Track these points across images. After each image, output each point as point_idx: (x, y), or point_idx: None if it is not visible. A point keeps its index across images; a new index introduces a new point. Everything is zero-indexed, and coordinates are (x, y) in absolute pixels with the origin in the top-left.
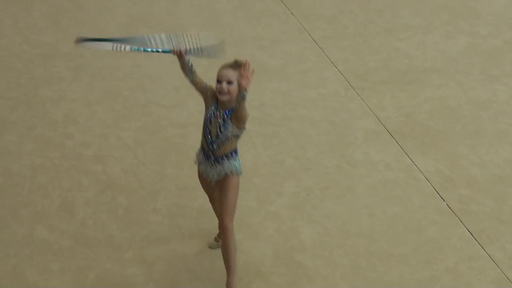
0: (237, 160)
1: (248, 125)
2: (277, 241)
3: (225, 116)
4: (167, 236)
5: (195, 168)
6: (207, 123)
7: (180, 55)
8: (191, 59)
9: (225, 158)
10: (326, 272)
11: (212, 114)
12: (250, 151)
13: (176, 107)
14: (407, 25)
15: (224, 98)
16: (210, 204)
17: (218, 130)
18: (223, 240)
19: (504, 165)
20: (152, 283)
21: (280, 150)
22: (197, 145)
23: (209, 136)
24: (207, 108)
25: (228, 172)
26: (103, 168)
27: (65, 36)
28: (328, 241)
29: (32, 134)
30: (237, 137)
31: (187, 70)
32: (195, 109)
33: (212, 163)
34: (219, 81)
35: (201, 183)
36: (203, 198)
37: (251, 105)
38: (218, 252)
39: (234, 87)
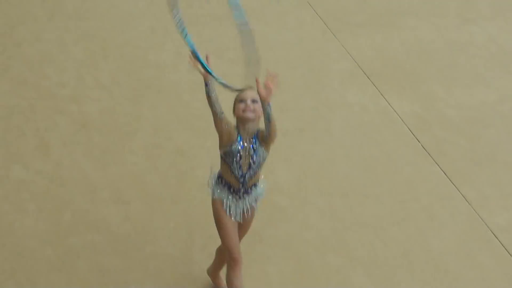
0: (261, 185)
1: (223, 65)
2: None
3: (254, 141)
4: (143, 176)
5: (171, 109)
6: (235, 160)
7: (205, 76)
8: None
9: (253, 187)
10: (302, 212)
11: (240, 148)
12: (225, 92)
13: (153, 48)
14: None
15: (249, 115)
16: (187, 147)
17: (251, 161)
18: (232, 272)
19: (479, 107)
20: (128, 222)
21: None
22: (175, 88)
23: (240, 172)
24: (230, 146)
25: (256, 201)
26: (79, 108)
27: None
28: (304, 182)
29: (7, 75)
30: (265, 160)
31: (214, 99)
32: (172, 50)
33: (241, 196)
34: (242, 101)
35: (221, 215)
36: (179, 139)
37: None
38: (194, 192)
39: (259, 106)
